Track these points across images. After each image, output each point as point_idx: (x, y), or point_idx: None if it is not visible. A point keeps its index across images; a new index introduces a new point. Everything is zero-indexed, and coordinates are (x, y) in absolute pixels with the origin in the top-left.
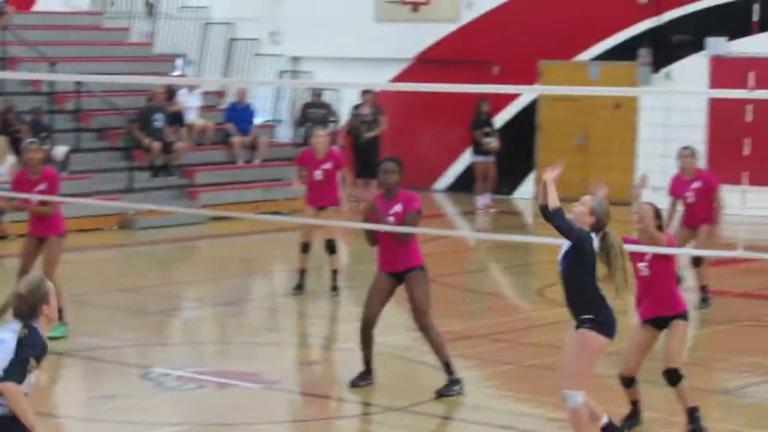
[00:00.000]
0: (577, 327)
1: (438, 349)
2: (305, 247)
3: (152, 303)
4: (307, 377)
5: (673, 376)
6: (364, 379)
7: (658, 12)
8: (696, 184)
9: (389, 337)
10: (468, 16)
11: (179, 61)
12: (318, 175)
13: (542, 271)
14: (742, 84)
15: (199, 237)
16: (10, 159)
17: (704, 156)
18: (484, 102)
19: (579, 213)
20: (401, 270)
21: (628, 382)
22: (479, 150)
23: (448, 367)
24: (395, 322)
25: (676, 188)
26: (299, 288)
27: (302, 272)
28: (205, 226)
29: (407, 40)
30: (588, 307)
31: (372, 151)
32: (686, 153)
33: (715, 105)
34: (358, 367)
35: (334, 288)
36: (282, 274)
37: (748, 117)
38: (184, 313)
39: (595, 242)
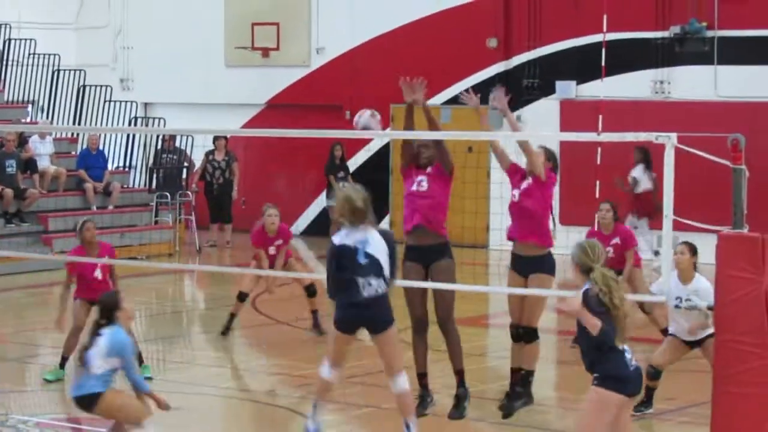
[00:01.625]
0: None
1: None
2: (242, 297)
3: (9, 350)
4: (169, 422)
5: None
6: (425, 404)
7: (508, 56)
8: (615, 240)
9: (242, 381)
10: (319, 61)
11: (30, 108)
12: (272, 250)
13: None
14: (591, 127)
15: (54, 283)
16: None
17: (556, 198)
18: (337, 146)
19: (573, 272)
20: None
21: None
22: (334, 194)
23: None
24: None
25: None
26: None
27: (233, 316)
28: (60, 272)
29: (258, 85)
30: (595, 363)
31: (225, 197)
32: (606, 207)
33: (566, 148)
34: (217, 412)
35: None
36: (138, 320)
37: (598, 159)
38: (42, 359)
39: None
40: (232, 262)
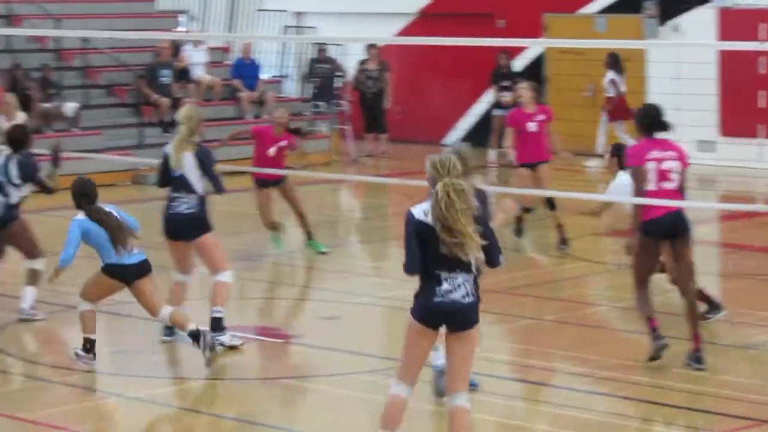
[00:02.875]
0: None
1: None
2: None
3: (169, 258)
4: (327, 332)
5: None
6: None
7: None
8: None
9: (400, 291)
10: None
11: (183, 18)
12: (532, 127)
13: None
14: (751, 35)
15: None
16: (21, 116)
17: (717, 109)
18: (502, 55)
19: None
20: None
21: None
22: (498, 104)
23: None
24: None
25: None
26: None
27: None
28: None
29: None
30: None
31: (378, 106)
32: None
33: (725, 57)
34: (376, 321)
35: (563, 241)
36: (295, 229)
37: (761, 69)
38: (201, 269)
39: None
40: (388, 171)
